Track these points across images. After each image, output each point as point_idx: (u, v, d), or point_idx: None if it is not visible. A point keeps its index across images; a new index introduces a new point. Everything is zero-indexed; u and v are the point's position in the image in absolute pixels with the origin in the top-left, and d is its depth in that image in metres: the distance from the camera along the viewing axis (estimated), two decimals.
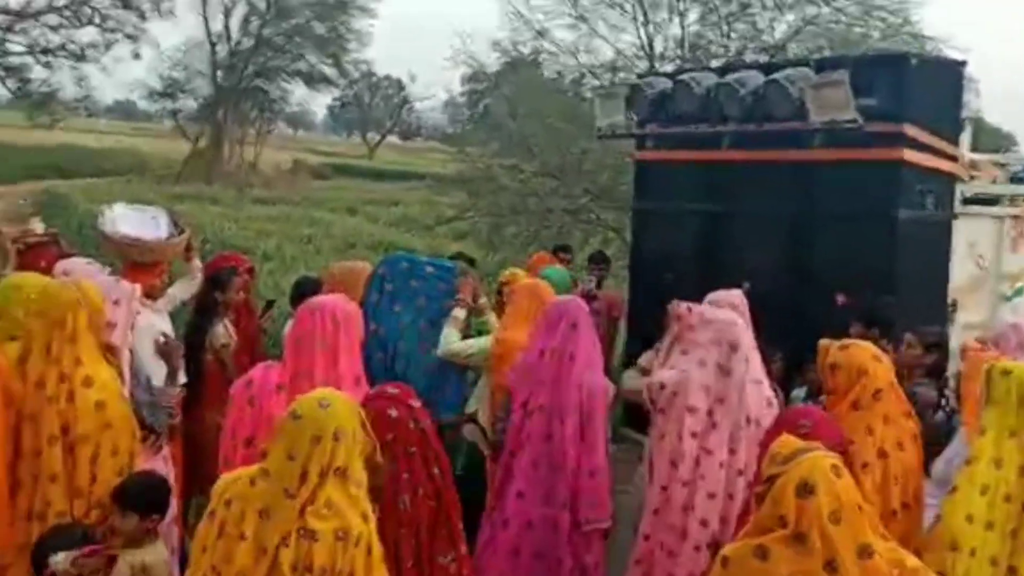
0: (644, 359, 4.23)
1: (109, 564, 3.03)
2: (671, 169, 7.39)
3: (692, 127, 6.80)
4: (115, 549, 3.59)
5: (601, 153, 13.39)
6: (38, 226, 5.75)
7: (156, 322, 4.93)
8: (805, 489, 2.40)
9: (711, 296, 5.01)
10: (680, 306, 4.25)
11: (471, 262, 7.59)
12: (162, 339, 4.76)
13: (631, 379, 4.42)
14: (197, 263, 5.70)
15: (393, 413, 3.23)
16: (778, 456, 2.50)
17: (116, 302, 4.24)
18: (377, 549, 2.84)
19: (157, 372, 4.58)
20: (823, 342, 3.71)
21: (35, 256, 5.22)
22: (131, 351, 4.33)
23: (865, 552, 2.40)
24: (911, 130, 5.80)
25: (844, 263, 6.06)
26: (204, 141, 35.86)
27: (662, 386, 4.04)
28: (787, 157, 6.36)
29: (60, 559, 2.97)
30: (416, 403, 3.34)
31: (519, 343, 4.73)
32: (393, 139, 64.44)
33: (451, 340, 5.05)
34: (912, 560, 2.52)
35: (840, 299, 5.96)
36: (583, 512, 4.12)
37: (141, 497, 3.62)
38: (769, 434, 3.19)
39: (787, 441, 2.57)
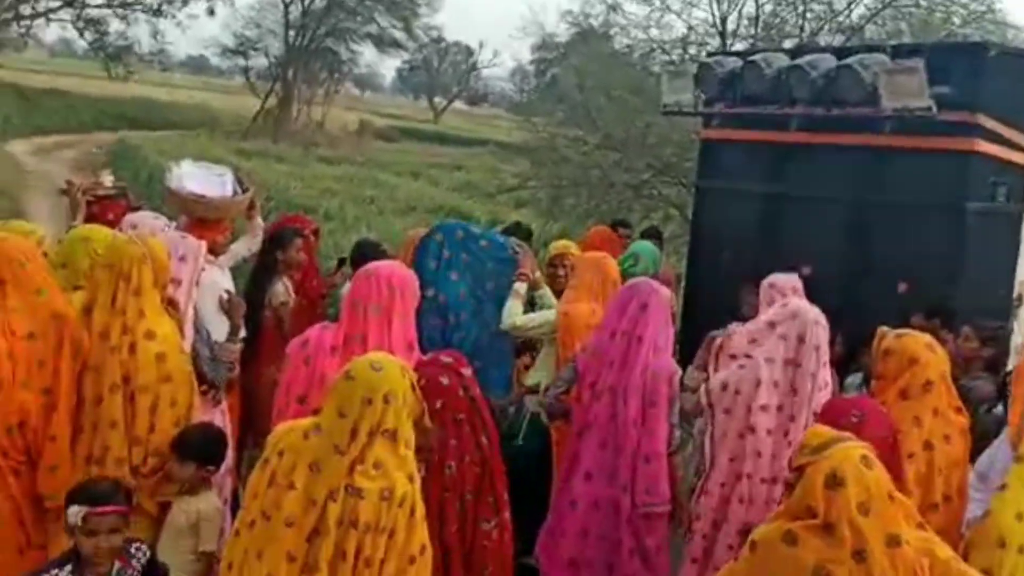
0: (688, 378, 4.16)
1: (126, 523, 3.12)
2: (737, 149, 7.32)
3: (760, 108, 6.72)
4: (168, 496, 3.71)
5: (666, 128, 13.26)
6: (108, 179, 5.87)
7: (218, 279, 5.02)
8: (834, 480, 2.39)
9: (770, 279, 4.97)
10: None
11: (528, 234, 7.62)
12: (225, 296, 4.86)
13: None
14: (259, 221, 5.79)
15: (444, 380, 3.28)
16: (808, 446, 2.50)
17: (183, 258, 4.34)
18: (420, 509, 2.91)
19: (218, 328, 4.67)
20: (881, 328, 3.66)
21: (103, 209, 5.36)
22: (195, 307, 4.43)
23: (894, 541, 2.39)
24: (986, 120, 5.67)
25: (908, 252, 5.96)
26: (273, 99, 36.18)
27: (724, 387, 3.98)
28: (856, 142, 6.26)
29: (74, 511, 3.07)
30: (467, 372, 3.39)
31: (583, 315, 4.82)
32: (459, 104, 64.42)
33: (515, 313, 5.05)
34: (944, 551, 2.50)
35: (901, 287, 5.87)
36: (639, 496, 4.12)
37: (199, 448, 3.75)
38: (820, 421, 3.16)
39: (818, 431, 2.56)
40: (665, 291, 4.41)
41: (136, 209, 5.67)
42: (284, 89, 36.68)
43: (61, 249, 4.36)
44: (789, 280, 4.99)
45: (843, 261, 6.24)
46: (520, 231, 7.35)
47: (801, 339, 3.88)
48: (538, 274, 5.50)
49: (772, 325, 3.97)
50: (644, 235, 8.11)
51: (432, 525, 3.23)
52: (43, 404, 3.68)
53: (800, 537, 2.39)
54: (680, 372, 4.23)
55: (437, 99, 61.46)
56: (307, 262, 6.00)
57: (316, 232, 6.12)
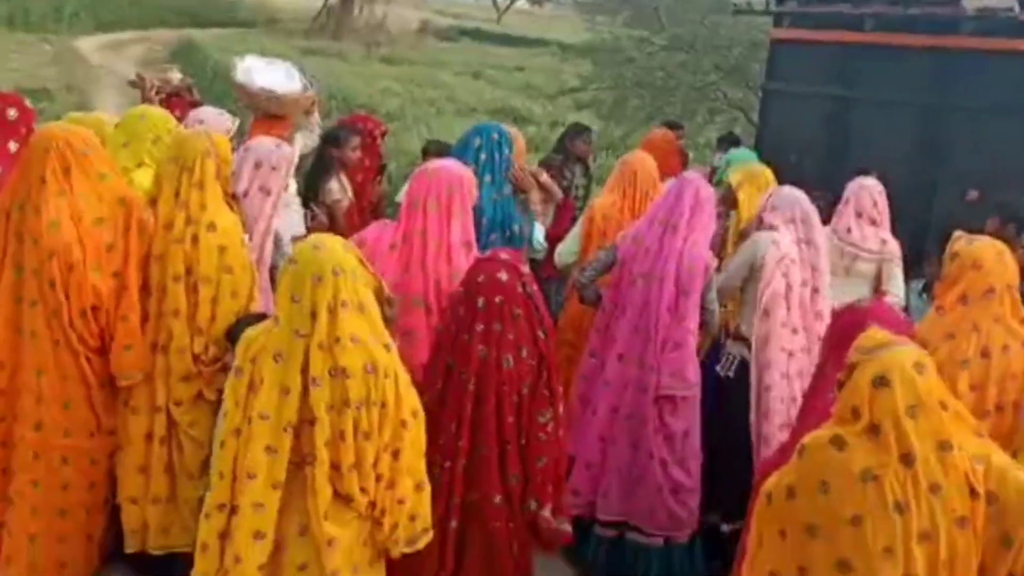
0: (720, 280, 4.36)
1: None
2: (807, 49, 7.14)
3: (834, 6, 6.52)
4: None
5: (734, 28, 12.91)
6: (176, 75, 5.92)
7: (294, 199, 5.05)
8: (881, 382, 2.35)
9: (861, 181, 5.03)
10: None
11: (585, 130, 7.56)
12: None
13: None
14: (316, 117, 5.79)
15: (503, 277, 3.29)
16: (862, 347, 2.46)
17: (275, 168, 4.35)
18: (404, 377, 2.94)
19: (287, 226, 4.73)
20: (957, 232, 3.57)
21: (171, 105, 5.42)
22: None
23: (945, 446, 2.35)
24: None
25: (981, 158, 5.79)
26: None
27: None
28: (932, 43, 6.05)
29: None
30: (525, 268, 3.40)
31: (603, 207, 5.14)
32: (522, 4, 63.06)
33: (571, 251, 5.19)
34: (1001, 458, 2.45)
35: (971, 195, 5.73)
36: (664, 380, 4.19)
37: None
38: (831, 327, 3.12)
39: (875, 334, 2.51)
40: (710, 187, 4.47)
41: (198, 106, 5.72)
42: None
43: (121, 128, 4.40)
44: (877, 184, 5.00)
45: (912, 167, 6.09)
46: (581, 132, 7.29)
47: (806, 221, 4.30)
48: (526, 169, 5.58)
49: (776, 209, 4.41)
50: (722, 141, 7.92)
51: (489, 418, 3.30)
52: (113, 287, 3.77)
53: (849, 442, 2.37)
54: (716, 261, 4.41)
55: None
56: (372, 163, 5.96)
57: (384, 134, 6.09)
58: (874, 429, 2.35)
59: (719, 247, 4.98)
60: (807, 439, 2.49)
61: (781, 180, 5.79)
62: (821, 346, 3.28)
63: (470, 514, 3.35)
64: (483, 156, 4.81)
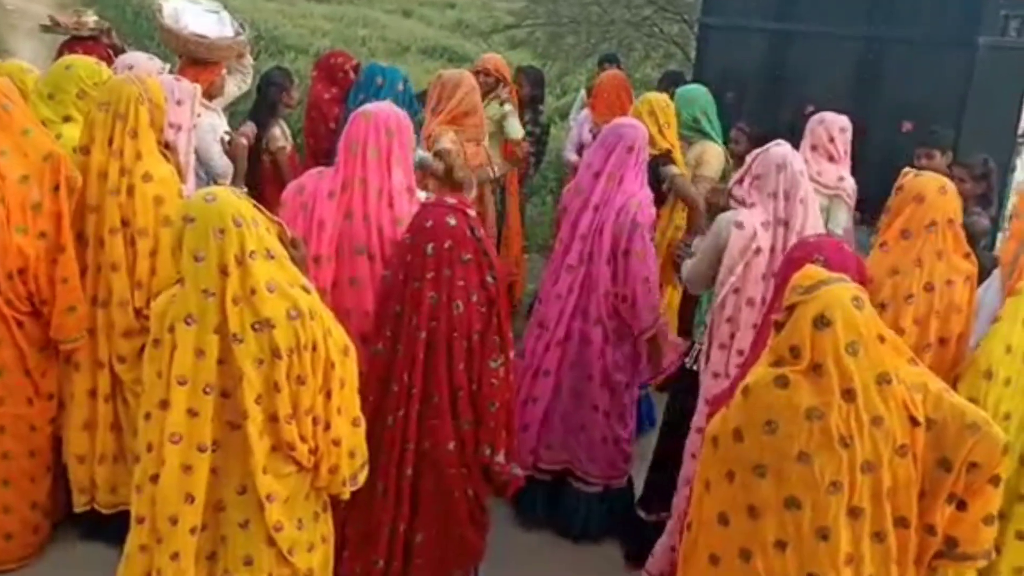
0: (687, 269, 4.02)
1: None
2: None
3: None
4: None
5: None
6: (91, 18, 5.65)
7: (215, 122, 4.93)
8: (822, 321, 2.37)
9: (819, 115, 5.01)
10: None
11: (536, 72, 7.48)
12: (226, 138, 4.77)
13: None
14: (249, 60, 5.64)
15: (451, 221, 3.25)
16: (800, 286, 2.47)
17: (179, 102, 4.24)
18: (327, 316, 2.87)
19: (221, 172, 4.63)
20: (907, 168, 3.57)
21: (87, 50, 5.14)
22: (195, 152, 4.36)
23: (884, 379, 2.40)
24: None
25: (915, 89, 5.85)
26: None
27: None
28: None
29: None
30: (472, 212, 3.36)
31: None
32: None
33: None
34: (936, 383, 2.51)
35: (906, 126, 5.79)
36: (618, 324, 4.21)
37: None
38: (783, 264, 3.10)
39: (810, 271, 2.52)
40: (643, 129, 4.32)
41: (122, 51, 5.51)
42: None
43: (46, 80, 4.24)
44: (838, 120, 4.98)
45: (849, 100, 6.12)
46: (534, 80, 7.22)
47: (787, 196, 3.70)
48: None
49: (758, 179, 3.76)
50: (663, 80, 7.79)
51: (440, 365, 3.27)
52: (43, 248, 3.66)
53: (792, 380, 2.39)
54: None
55: None
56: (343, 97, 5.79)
57: (356, 68, 5.94)
58: (816, 368, 2.38)
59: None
60: (750, 379, 2.50)
61: (720, 119, 5.83)
62: (774, 282, 3.28)
63: (424, 462, 3.35)
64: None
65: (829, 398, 2.36)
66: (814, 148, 4.96)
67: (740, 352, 3.63)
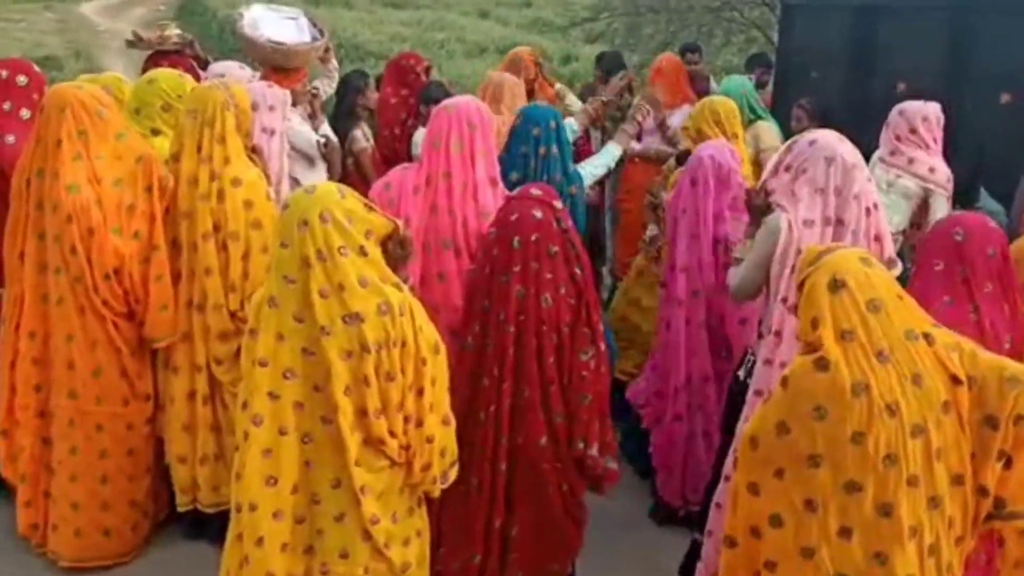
0: (736, 278, 3.58)
1: None
2: None
3: None
4: None
5: None
6: (174, 32, 5.78)
7: (301, 128, 4.99)
8: (835, 284, 2.30)
9: (900, 106, 4.79)
10: None
11: (608, 55, 7.43)
12: (322, 140, 4.85)
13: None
14: (334, 63, 5.72)
15: (537, 214, 3.22)
16: (806, 261, 2.41)
17: (272, 108, 4.33)
18: (420, 313, 2.86)
19: (305, 176, 4.68)
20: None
21: (172, 64, 5.26)
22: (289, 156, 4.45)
23: (911, 335, 2.31)
24: None
25: (1010, 59, 5.60)
26: None
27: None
28: None
29: None
30: (559, 204, 3.32)
31: None
32: None
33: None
34: (967, 343, 2.42)
35: (1004, 98, 5.56)
36: None
37: None
38: (920, 246, 3.03)
39: (813, 248, 2.46)
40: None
41: (206, 62, 5.63)
42: None
43: (132, 95, 4.37)
44: (922, 109, 4.75)
45: (941, 74, 5.90)
46: (608, 61, 7.18)
47: (839, 191, 3.32)
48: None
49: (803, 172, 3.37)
50: (750, 63, 7.77)
51: (531, 360, 3.24)
52: (136, 249, 3.75)
53: (832, 360, 2.30)
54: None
55: None
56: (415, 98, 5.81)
57: (428, 70, 5.98)
58: (844, 335, 2.30)
59: None
60: (788, 370, 2.41)
61: (805, 98, 5.69)
62: (916, 256, 3.15)
63: (518, 456, 3.32)
64: (542, 150, 4.30)
65: (864, 365, 2.28)
66: (898, 138, 4.77)
67: (783, 365, 3.20)
